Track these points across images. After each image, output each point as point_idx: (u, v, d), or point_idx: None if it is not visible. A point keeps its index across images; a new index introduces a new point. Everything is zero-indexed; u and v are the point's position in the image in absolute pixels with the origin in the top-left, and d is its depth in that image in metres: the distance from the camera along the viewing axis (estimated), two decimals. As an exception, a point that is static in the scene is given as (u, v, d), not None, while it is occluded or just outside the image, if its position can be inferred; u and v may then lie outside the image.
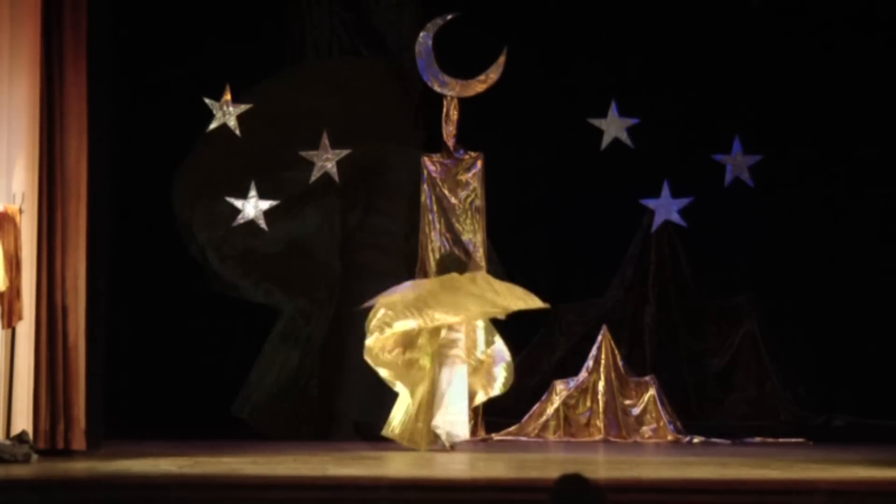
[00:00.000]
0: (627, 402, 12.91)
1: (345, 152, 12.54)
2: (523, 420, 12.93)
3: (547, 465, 10.33)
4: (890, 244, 13.76)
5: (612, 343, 13.07)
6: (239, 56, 13.27)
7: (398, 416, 11.50)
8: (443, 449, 11.36)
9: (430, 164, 12.80)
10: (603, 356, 13.01)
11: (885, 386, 13.56)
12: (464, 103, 12.80)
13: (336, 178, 12.46)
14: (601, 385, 12.94)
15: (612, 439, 12.77)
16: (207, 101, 12.39)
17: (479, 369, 11.61)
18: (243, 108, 12.44)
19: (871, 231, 13.82)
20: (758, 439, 12.53)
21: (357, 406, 12.80)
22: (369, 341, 11.32)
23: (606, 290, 13.99)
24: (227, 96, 12.42)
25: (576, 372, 13.39)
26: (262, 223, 12.51)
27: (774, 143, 13.31)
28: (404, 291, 11.38)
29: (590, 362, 13.04)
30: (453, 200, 12.77)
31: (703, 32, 13.61)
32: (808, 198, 13.92)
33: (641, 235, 14.15)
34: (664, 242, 14.11)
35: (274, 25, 13.94)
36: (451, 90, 12.84)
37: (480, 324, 11.55)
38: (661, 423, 12.76)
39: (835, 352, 13.83)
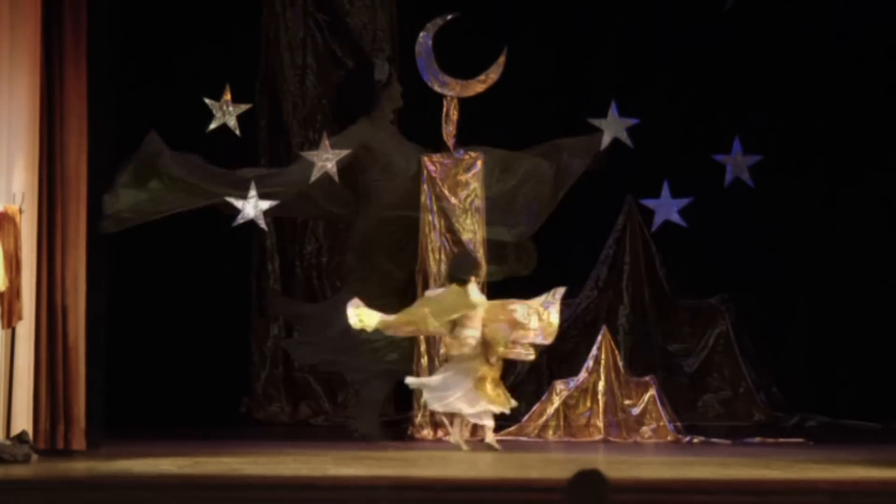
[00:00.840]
0: (627, 402, 12.89)
1: (345, 152, 12.52)
2: (523, 420, 12.91)
3: (547, 465, 10.34)
4: (885, 244, 13.77)
5: (612, 343, 13.06)
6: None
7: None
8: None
9: (430, 164, 12.78)
10: (603, 356, 13.00)
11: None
12: (464, 103, 12.79)
13: (336, 177, 12.43)
14: (601, 385, 12.92)
15: (612, 439, 12.75)
16: (207, 101, 12.37)
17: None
18: (243, 107, 12.42)
19: (870, 231, 13.82)
20: (757, 439, 12.52)
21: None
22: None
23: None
24: (227, 96, 12.40)
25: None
26: (262, 223, 12.49)
27: (774, 142, 13.31)
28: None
29: (590, 362, 13.02)
30: (453, 200, 12.74)
31: (704, 32, 13.61)
32: (805, 197, 13.93)
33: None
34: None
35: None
36: (451, 90, 12.82)
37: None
38: (661, 423, 12.75)
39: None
